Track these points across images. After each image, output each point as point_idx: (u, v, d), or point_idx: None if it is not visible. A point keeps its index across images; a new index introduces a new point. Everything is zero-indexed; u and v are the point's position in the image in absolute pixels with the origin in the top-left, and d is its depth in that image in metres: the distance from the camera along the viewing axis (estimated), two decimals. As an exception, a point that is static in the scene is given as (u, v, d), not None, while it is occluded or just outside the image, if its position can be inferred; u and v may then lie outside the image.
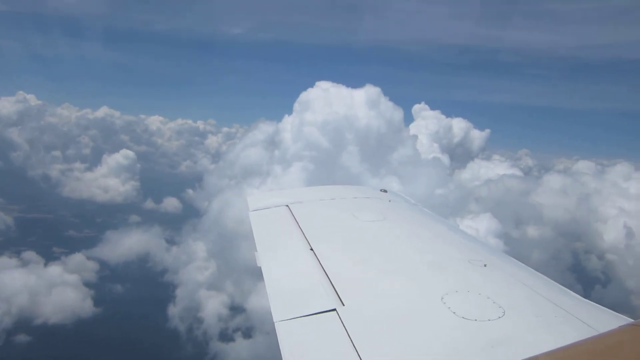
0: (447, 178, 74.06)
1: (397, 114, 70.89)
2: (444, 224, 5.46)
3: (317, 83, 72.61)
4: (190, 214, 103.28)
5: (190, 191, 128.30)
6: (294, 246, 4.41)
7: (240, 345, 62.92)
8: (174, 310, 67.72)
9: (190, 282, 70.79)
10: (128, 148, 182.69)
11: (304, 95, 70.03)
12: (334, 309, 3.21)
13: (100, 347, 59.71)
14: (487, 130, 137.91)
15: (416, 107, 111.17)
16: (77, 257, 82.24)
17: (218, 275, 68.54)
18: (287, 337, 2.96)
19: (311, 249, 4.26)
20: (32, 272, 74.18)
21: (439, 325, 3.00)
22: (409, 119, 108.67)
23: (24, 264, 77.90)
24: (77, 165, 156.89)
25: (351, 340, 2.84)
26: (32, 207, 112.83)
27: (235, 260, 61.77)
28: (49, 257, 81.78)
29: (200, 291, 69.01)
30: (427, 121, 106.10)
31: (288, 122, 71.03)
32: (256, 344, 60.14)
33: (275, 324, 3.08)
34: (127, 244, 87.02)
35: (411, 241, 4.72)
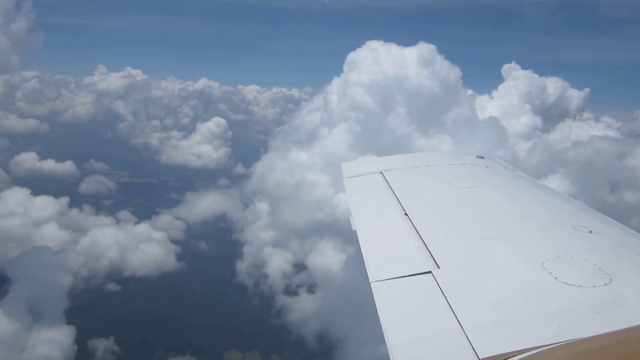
0: (505, 138, 69.13)
1: (454, 73, 66.44)
2: (547, 190, 5.28)
3: (368, 42, 70.03)
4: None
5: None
6: (389, 211, 4.47)
7: (304, 299, 65.66)
8: (241, 266, 72.09)
9: (256, 240, 74.61)
10: (226, 117, 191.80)
11: (352, 56, 67.96)
12: (429, 271, 3.23)
13: (177, 298, 65.57)
14: (586, 90, 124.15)
15: (506, 67, 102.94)
16: (166, 217, 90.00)
17: (282, 234, 71.15)
18: (383, 296, 3.04)
19: (406, 214, 4.30)
20: (127, 230, 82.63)
21: (539, 290, 2.95)
22: (498, 79, 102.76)
23: (127, 221, 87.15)
24: (174, 133, 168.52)
25: (447, 302, 2.87)
26: (139, 173, 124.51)
27: (294, 220, 63.80)
28: (147, 217, 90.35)
29: (265, 249, 72.53)
30: (517, 81, 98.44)
31: (335, 84, 69.88)
32: (319, 299, 62.39)
33: (372, 284, 3.17)
34: (208, 205, 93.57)
35: (510, 206, 4.62)
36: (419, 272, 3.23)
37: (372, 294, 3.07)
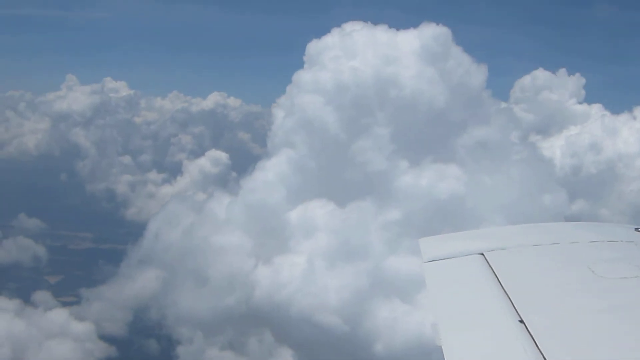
0: (554, 175, 48.04)
1: (477, 74, 43.38)
2: None
3: (344, 25, 45.27)
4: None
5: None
6: (495, 316, 3.50)
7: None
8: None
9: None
10: (247, 150, 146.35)
11: (313, 47, 43.50)
12: None
13: None
14: None
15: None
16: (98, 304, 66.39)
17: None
18: None
19: (521, 321, 3.31)
20: (34, 320, 58.92)
21: None
22: None
23: (41, 306, 63.82)
24: (153, 175, 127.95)
25: None
26: (95, 235, 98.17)
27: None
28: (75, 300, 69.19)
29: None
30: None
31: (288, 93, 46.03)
32: None
33: None
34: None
35: None
36: None
37: None
